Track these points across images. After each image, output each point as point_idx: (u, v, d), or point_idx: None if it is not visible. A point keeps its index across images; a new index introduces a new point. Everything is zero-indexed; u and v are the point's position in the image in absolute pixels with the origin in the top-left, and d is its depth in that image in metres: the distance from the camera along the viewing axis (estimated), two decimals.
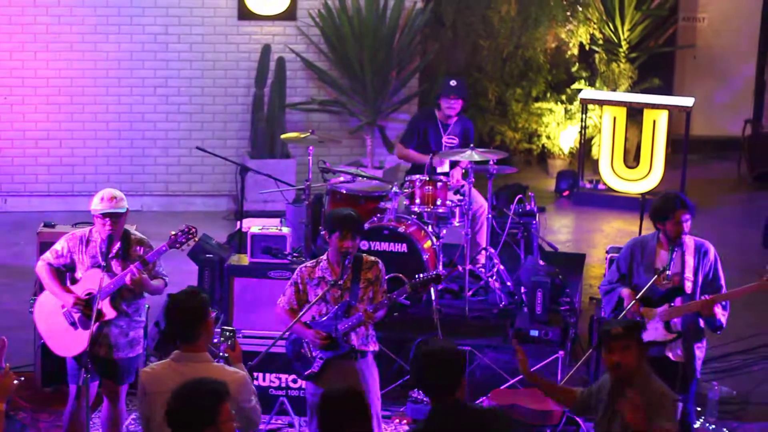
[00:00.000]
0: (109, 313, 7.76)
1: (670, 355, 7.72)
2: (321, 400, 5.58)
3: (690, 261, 7.75)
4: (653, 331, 7.67)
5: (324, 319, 7.52)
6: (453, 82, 10.61)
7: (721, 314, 7.68)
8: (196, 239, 8.03)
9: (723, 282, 7.81)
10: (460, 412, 5.72)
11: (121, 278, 7.72)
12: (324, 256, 7.61)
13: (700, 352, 7.85)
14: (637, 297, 7.67)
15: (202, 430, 5.32)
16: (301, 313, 7.47)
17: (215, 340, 6.44)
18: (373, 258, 7.63)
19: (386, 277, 7.67)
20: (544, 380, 7.26)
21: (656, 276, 7.67)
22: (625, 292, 7.82)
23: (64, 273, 7.94)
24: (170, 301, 6.28)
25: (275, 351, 7.82)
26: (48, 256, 7.96)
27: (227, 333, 6.45)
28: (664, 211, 7.75)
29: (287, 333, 7.55)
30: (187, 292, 6.39)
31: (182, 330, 6.18)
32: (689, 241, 7.80)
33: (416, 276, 7.60)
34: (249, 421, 6.12)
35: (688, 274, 7.73)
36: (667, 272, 7.68)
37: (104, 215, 7.73)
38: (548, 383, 7.20)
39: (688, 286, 7.72)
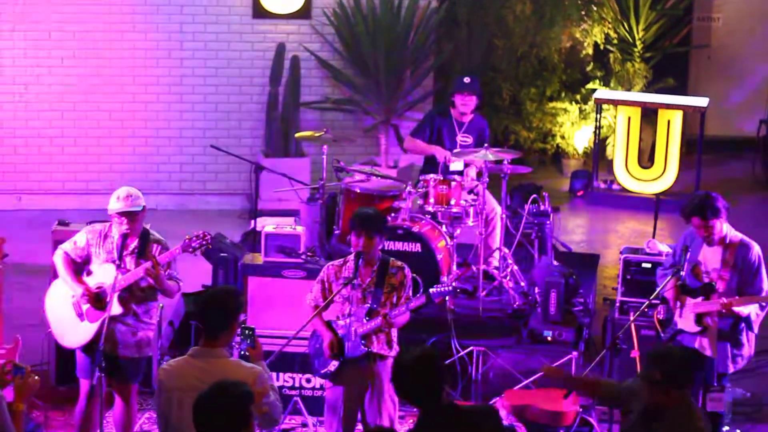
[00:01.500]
0: (116, 308, 7.76)
1: (697, 347, 7.89)
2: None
3: (730, 259, 7.86)
4: (685, 321, 7.94)
5: (347, 321, 7.53)
6: (467, 79, 10.58)
7: (750, 313, 7.83)
8: (210, 246, 8.02)
9: (764, 284, 7.88)
10: (450, 418, 5.74)
11: (134, 275, 7.73)
12: (351, 256, 7.64)
13: (737, 351, 7.99)
14: (667, 279, 7.95)
15: None
16: (315, 312, 7.50)
17: (236, 339, 6.43)
18: (399, 263, 7.63)
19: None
20: (571, 377, 7.55)
21: (691, 269, 7.94)
22: (672, 280, 8.01)
23: (80, 264, 7.96)
24: (208, 296, 6.25)
25: (289, 350, 7.81)
26: (67, 245, 8.01)
27: (247, 331, 6.44)
28: (685, 215, 7.95)
29: (303, 331, 7.57)
30: (227, 290, 6.40)
31: (213, 325, 6.12)
32: (735, 239, 7.94)
33: (433, 287, 7.58)
34: (269, 416, 6.07)
35: (724, 272, 7.87)
36: (701, 267, 7.93)
37: (121, 214, 7.76)
38: (573, 379, 7.50)
39: (721, 284, 7.84)
